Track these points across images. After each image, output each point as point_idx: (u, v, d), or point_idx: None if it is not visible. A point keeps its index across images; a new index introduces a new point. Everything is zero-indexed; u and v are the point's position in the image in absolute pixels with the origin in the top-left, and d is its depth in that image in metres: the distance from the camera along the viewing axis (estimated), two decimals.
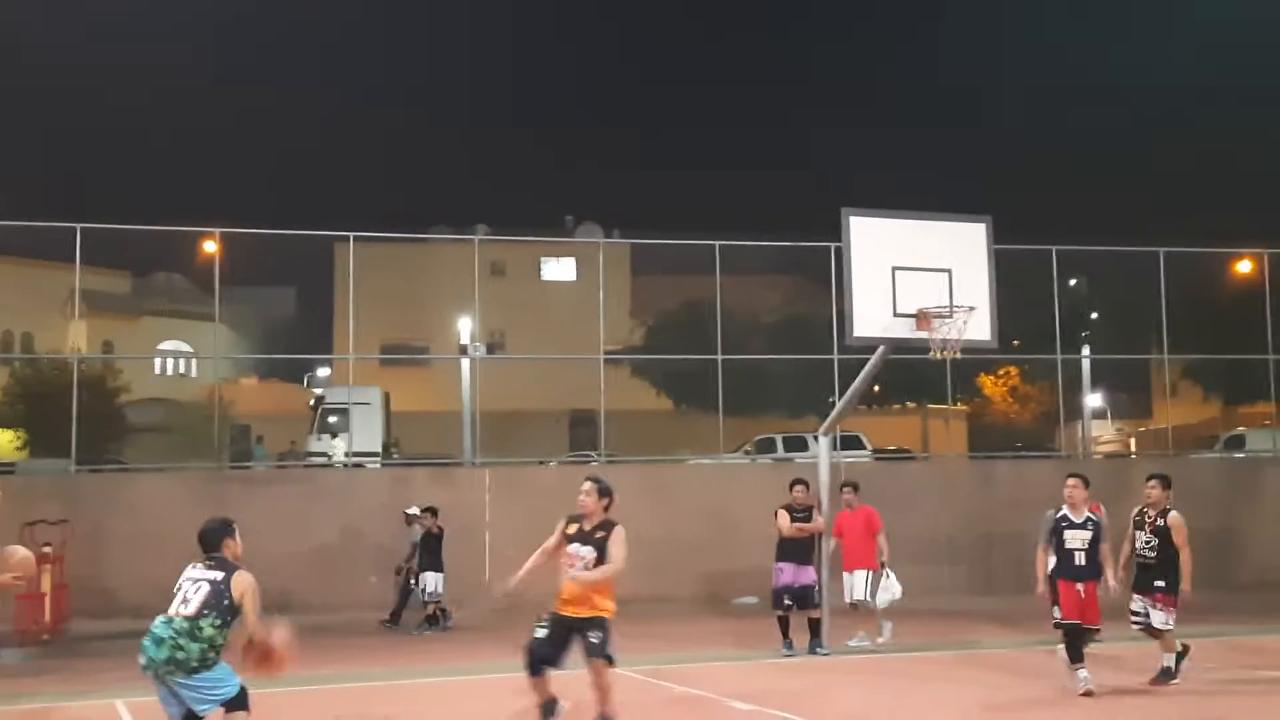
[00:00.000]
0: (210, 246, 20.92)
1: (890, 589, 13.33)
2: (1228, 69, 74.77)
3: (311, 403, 29.33)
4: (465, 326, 28.66)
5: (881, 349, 12.43)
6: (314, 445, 26.85)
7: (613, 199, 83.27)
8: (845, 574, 13.41)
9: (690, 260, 23.70)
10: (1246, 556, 20.58)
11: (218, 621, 6.52)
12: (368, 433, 24.72)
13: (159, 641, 6.42)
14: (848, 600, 13.40)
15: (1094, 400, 35.04)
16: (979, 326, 11.97)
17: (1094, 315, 33.62)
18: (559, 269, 45.43)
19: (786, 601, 12.71)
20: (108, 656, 12.96)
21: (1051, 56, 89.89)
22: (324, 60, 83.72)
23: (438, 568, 15.83)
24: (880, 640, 13.26)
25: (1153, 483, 10.55)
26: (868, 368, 12.87)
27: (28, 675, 11.99)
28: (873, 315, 11.91)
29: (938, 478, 22.32)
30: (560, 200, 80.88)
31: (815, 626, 12.78)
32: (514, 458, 23.37)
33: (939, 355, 12.05)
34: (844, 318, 12.28)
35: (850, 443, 25.46)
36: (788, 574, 12.71)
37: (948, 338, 11.76)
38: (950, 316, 11.71)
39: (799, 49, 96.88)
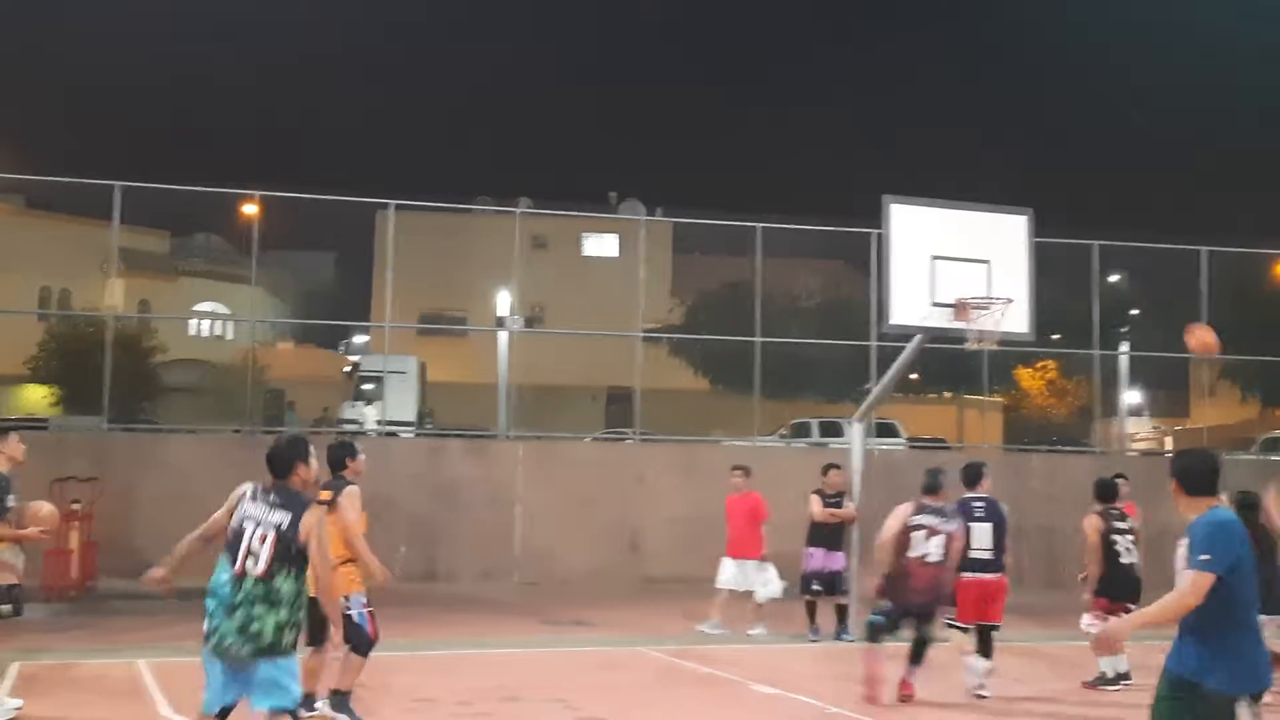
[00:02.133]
0: (249, 209, 21.03)
1: (770, 583, 12.85)
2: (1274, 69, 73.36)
3: (347, 370, 29.57)
4: (504, 299, 28.78)
5: (918, 337, 12.39)
6: (348, 412, 27.04)
7: (658, 177, 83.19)
8: (725, 559, 13.02)
9: (732, 241, 23.65)
10: None
11: (296, 577, 5.47)
12: (402, 402, 24.88)
13: (230, 608, 5.40)
14: (720, 586, 12.98)
15: (1131, 397, 34.72)
16: (1016, 319, 11.91)
17: (1134, 312, 33.27)
18: (601, 244, 45.45)
19: (815, 586, 12.73)
20: (133, 615, 13.15)
21: (1097, 52, 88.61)
22: (375, 29, 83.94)
23: None
24: (753, 632, 12.78)
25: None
26: (904, 356, 12.83)
27: (53, 631, 12.14)
28: (911, 303, 11.88)
29: None
30: (606, 176, 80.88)
31: (843, 613, 12.80)
32: (549, 432, 23.47)
33: (975, 346, 12.01)
34: (883, 305, 12.25)
35: (886, 430, 25.38)
36: (818, 559, 12.73)
37: (985, 329, 11.72)
38: (988, 308, 11.66)
39: (849, 32, 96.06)
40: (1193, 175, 73.47)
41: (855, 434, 13.77)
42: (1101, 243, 21.78)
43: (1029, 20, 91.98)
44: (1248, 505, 8.78)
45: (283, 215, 22.97)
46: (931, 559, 9.11)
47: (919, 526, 9.17)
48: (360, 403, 26.76)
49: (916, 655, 9.27)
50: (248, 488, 5.75)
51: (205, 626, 5.48)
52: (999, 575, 9.64)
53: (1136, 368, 32.32)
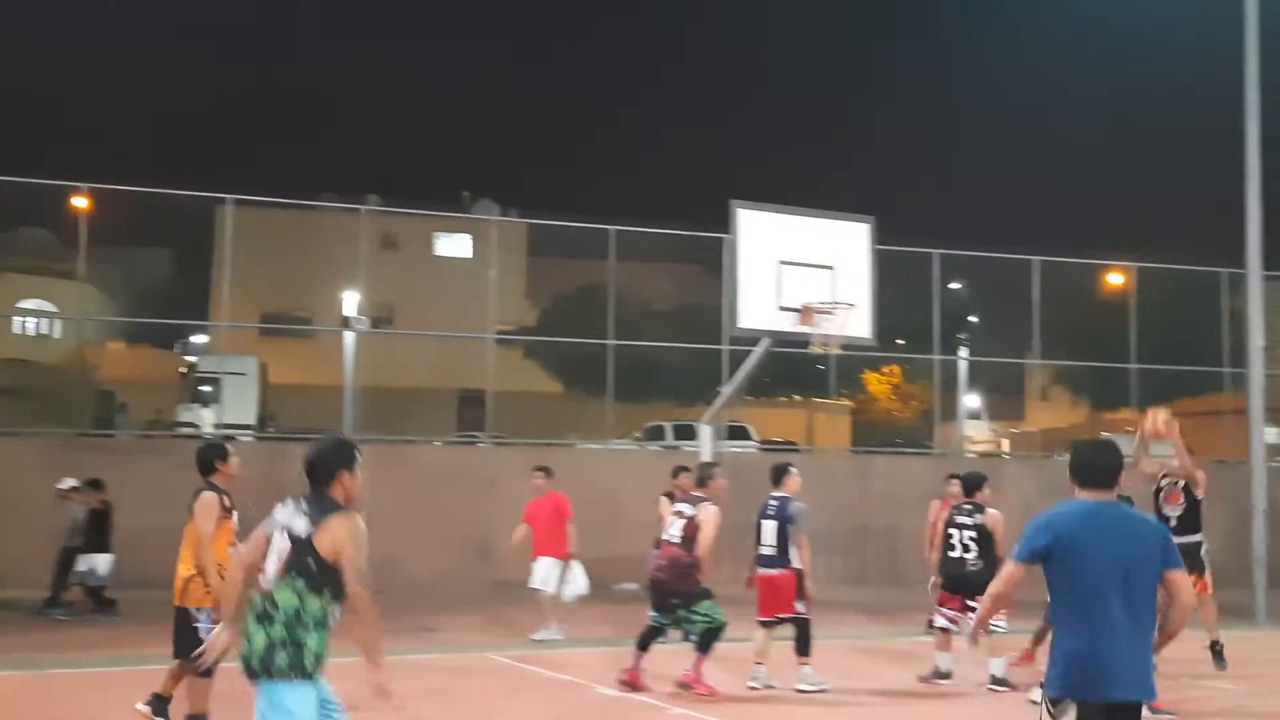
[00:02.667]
0: (79, 202, 20.05)
1: (575, 582, 12.76)
2: (1119, 89, 77.38)
3: (183, 371, 28.44)
4: (351, 299, 28.09)
5: (765, 341, 12.56)
6: (183, 415, 26.02)
7: (513, 178, 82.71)
8: (537, 560, 12.86)
9: (586, 244, 23.60)
10: None
11: (302, 591, 4.74)
12: (241, 404, 24.05)
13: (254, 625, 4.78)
14: (533, 586, 12.86)
15: (970, 400, 35.99)
16: (859, 323, 12.17)
17: (972, 318, 34.51)
18: (453, 245, 44.85)
19: None
20: None
21: (941, 62, 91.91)
22: (216, 18, 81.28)
23: (108, 548, 14.18)
24: (541, 636, 12.63)
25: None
26: (751, 359, 12.99)
27: None
28: (758, 307, 12.03)
29: (819, 470, 22.61)
30: (459, 175, 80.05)
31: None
32: (398, 435, 23.00)
33: (820, 349, 12.23)
34: (733, 308, 12.37)
35: (738, 433, 25.72)
36: None
37: (828, 333, 11.93)
38: (832, 312, 11.88)
39: (702, 40, 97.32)
40: (1027, 187, 76.80)
41: (705, 436, 13.89)
42: (941, 251, 22.49)
43: (872, 24, 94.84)
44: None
45: (115, 209, 22.00)
46: (671, 539, 9.73)
47: (676, 512, 9.91)
48: (197, 405, 25.78)
49: (644, 642, 9.77)
50: (286, 500, 4.99)
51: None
52: (783, 570, 9.89)
53: (975, 372, 33.50)
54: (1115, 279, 29.14)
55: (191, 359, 30.50)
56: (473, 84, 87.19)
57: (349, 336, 24.64)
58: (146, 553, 17.09)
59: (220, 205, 21.06)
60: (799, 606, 9.88)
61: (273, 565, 4.81)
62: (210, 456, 7.56)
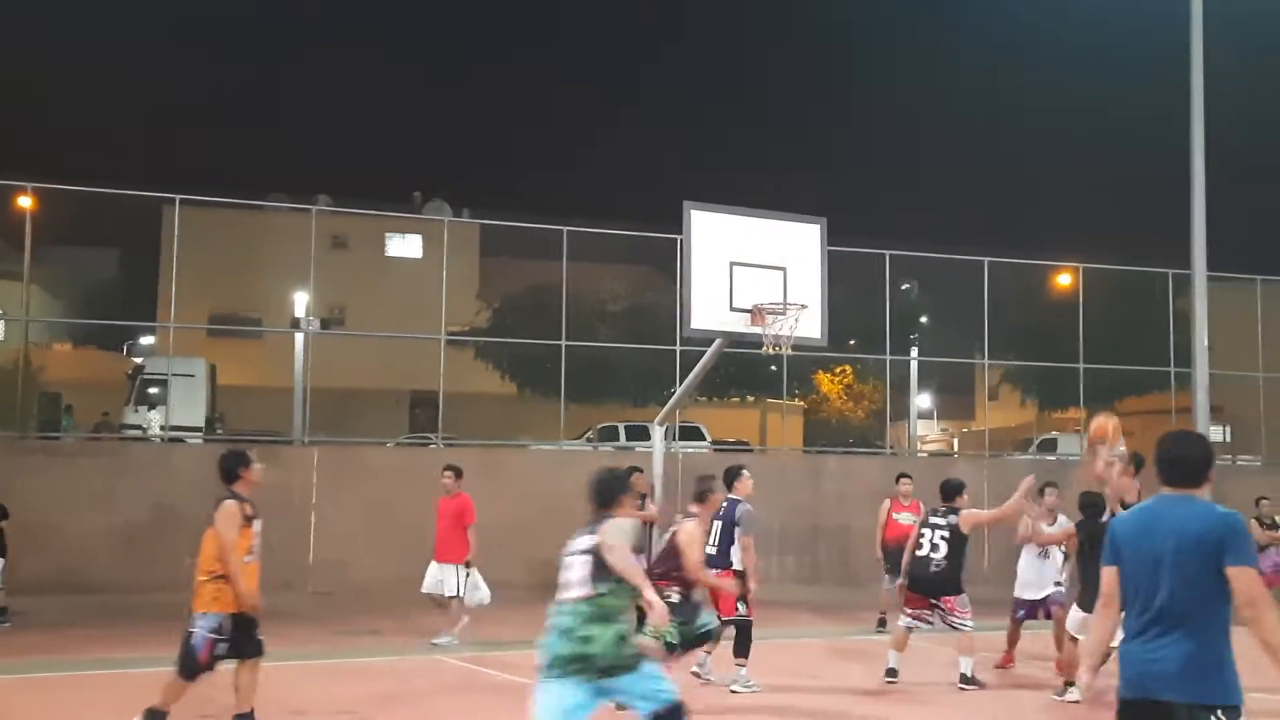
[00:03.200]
0: (23, 201, 19.70)
1: (479, 590, 12.49)
2: (1067, 90, 78.47)
3: (130, 372, 28.01)
4: (301, 299, 27.76)
5: (718, 342, 12.58)
6: (130, 417, 25.62)
7: (464, 178, 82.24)
8: (432, 563, 12.57)
9: (538, 244, 23.54)
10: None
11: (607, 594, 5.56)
12: (190, 406, 23.70)
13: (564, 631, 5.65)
14: (423, 590, 12.55)
15: (921, 401, 36.32)
16: (810, 324, 12.21)
17: (923, 319, 34.81)
18: (404, 245, 44.52)
19: None
20: None
21: (892, 64, 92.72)
22: (163, 18, 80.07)
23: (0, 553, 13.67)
24: (442, 641, 12.39)
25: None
26: (704, 360, 13.00)
27: None
28: (710, 308, 12.03)
29: (771, 470, 22.73)
30: (410, 176, 79.53)
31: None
32: (349, 437, 22.81)
33: (771, 350, 12.25)
34: (685, 309, 12.37)
35: (690, 433, 25.77)
36: None
37: (780, 334, 11.97)
38: (783, 313, 11.92)
39: (656, 44, 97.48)
40: (976, 188, 77.65)
41: (656, 436, 13.88)
42: (892, 252, 22.66)
43: (825, 25, 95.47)
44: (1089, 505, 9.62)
45: (60, 209, 21.65)
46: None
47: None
48: (144, 407, 25.40)
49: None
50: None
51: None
52: (721, 571, 9.93)
53: (925, 373, 33.84)
54: (1063, 280, 29.52)
55: (139, 360, 29.99)
56: (424, 83, 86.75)
57: (299, 337, 24.40)
58: (92, 557, 16.94)
59: (168, 205, 20.80)
60: (740, 608, 9.91)
61: (584, 577, 5.70)
62: (234, 465, 7.64)
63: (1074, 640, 9.66)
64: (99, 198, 19.59)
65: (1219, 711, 4.12)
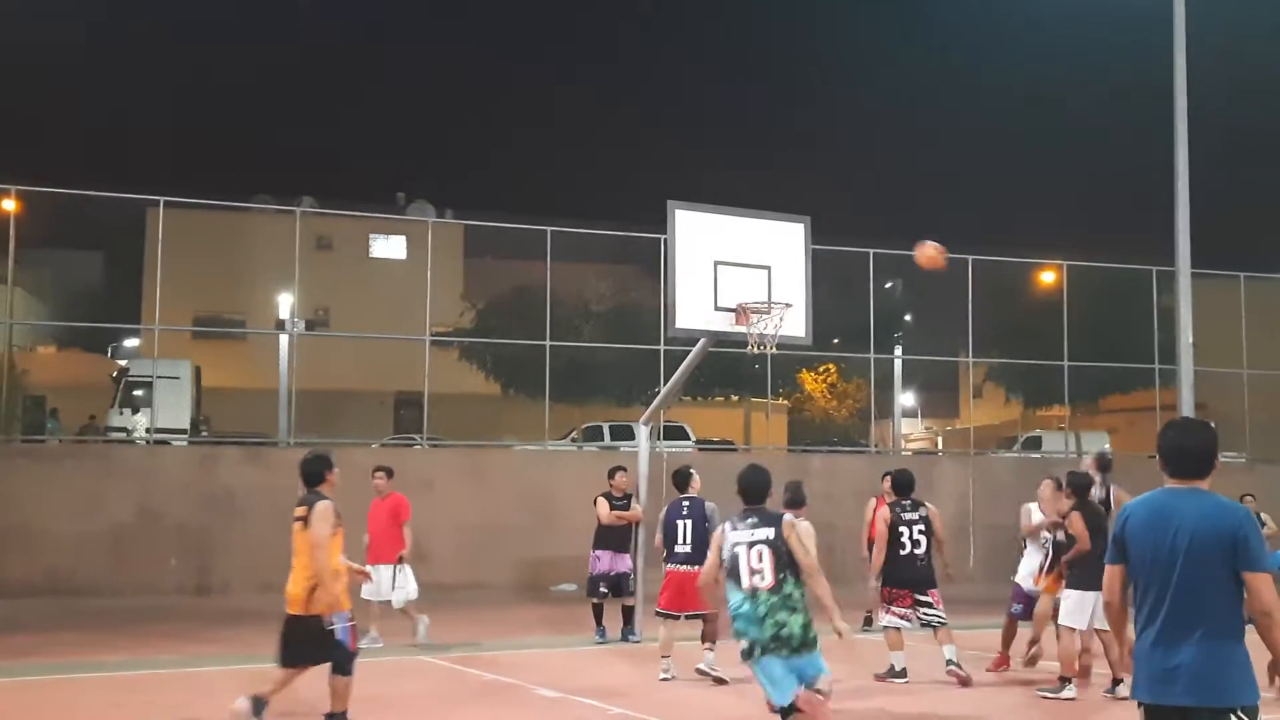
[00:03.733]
0: (7, 205, 19.62)
1: (406, 586, 12.16)
2: (1050, 87, 78.75)
3: (114, 375, 27.90)
4: (285, 301, 27.68)
5: (702, 341, 12.60)
6: (115, 420, 25.55)
7: (448, 179, 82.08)
8: (370, 566, 11.79)
9: (523, 245, 23.55)
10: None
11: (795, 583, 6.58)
12: (175, 408, 23.63)
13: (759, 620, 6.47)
14: (364, 596, 11.79)
15: (905, 399, 36.43)
16: (795, 323, 12.23)
17: (907, 317, 34.90)
18: (389, 246, 44.43)
19: (602, 589, 12.80)
20: None
21: (879, 62, 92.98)
22: (146, 19, 79.65)
23: None
24: (421, 637, 12.20)
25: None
26: (689, 359, 13.02)
27: None
28: (695, 308, 12.04)
29: None
30: (394, 177, 79.27)
31: (629, 614, 12.89)
32: (334, 438, 22.76)
33: (756, 350, 12.27)
34: (669, 309, 12.39)
35: (675, 433, 25.79)
36: (605, 561, 12.81)
37: (765, 333, 11.99)
38: (768, 312, 11.94)
39: (636, 43, 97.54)
40: (959, 186, 77.88)
41: (641, 436, 13.90)
42: (876, 250, 22.71)
43: (810, 26, 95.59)
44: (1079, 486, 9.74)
45: (44, 212, 21.56)
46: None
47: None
48: (128, 410, 25.32)
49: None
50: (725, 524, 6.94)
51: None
52: (698, 568, 9.80)
53: (909, 371, 33.95)
54: (1047, 277, 29.62)
55: (123, 363, 29.87)
56: (408, 85, 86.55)
57: (284, 339, 24.36)
58: (78, 559, 16.90)
59: (152, 207, 20.74)
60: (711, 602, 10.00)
61: (767, 570, 6.52)
62: (321, 468, 7.76)
63: (1070, 631, 9.61)
64: (83, 200, 19.55)
65: (1239, 711, 4.05)
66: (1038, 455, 29.34)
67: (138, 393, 25.16)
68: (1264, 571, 4.09)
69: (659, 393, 15.37)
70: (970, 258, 22.98)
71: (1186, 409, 16.69)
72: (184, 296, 28.66)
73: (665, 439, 22.51)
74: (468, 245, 39.74)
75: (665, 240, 12.53)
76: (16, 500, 16.92)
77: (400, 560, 12.15)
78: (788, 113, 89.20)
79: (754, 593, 6.53)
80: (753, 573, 6.54)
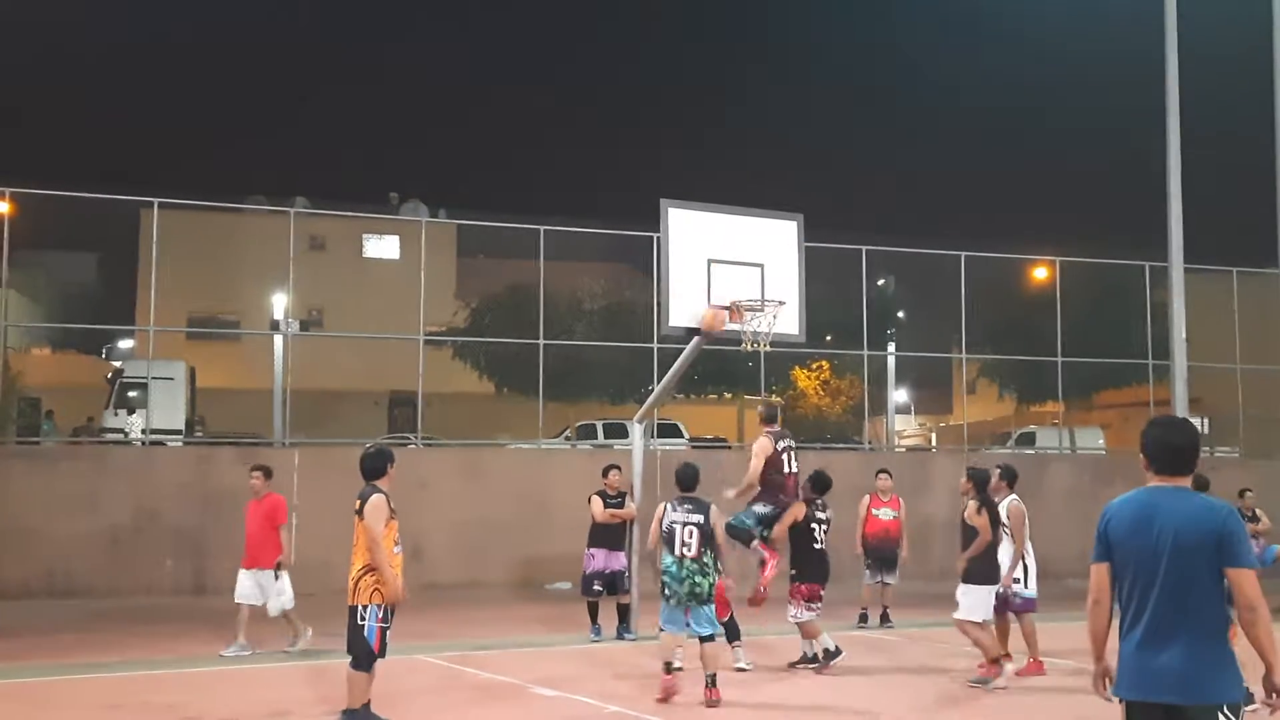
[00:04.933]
0: (0, 206, 19.59)
1: (283, 594, 11.70)
2: (1043, 83, 78.85)
3: (109, 376, 27.88)
4: (279, 301, 27.65)
5: (695, 339, 12.62)
6: (110, 421, 25.54)
7: (440, 178, 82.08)
8: (241, 570, 11.82)
9: (516, 244, 23.55)
10: (1033, 548, 21.74)
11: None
12: (170, 409, 23.61)
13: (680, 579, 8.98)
14: (238, 600, 11.73)
15: (899, 395, 36.45)
16: (788, 320, 12.27)
17: (900, 314, 34.93)
18: (382, 246, 44.45)
19: (597, 587, 12.83)
20: None
21: (874, 61, 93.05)
22: (141, 22, 79.50)
23: None
24: (298, 646, 11.79)
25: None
26: (682, 357, 13.05)
27: None
28: (688, 305, 12.08)
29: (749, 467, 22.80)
30: (386, 177, 79.17)
31: (624, 612, 12.93)
32: (328, 438, 22.77)
33: (749, 347, 12.30)
34: (662, 307, 12.41)
35: (669, 430, 25.81)
36: (599, 559, 12.84)
37: (758, 330, 12.02)
38: (761, 310, 11.97)
39: (631, 44, 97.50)
40: (952, 182, 77.95)
41: (635, 434, 13.93)
42: (869, 248, 22.74)
43: (807, 26, 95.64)
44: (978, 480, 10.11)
45: (38, 213, 21.51)
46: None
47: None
48: (123, 411, 25.30)
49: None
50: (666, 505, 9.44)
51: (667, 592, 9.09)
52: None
53: (903, 367, 33.97)
54: (1040, 273, 29.65)
55: (118, 364, 29.85)
56: (399, 85, 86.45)
57: (278, 339, 24.33)
58: (75, 561, 16.89)
59: (145, 208, 20.71)
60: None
61: (694, 544, 9.03)
62: (383, 463, 8.00)
63: (980, 625, 9.90)
64: (76, 202, 19.53)
65: (1225, 709, 4.10)
66: (1032, 451, 29.39)
67: (133, 394, 25.15)
68: (1248, 568, 4.14)
69: (652, 390, 15.40)
70: (963, 254, 23.01)
71: (1180, 404, 16.74)
72: (178, 297, 28.57)
73: (659, 437, 22.52)
74: (461, 244, 39.79)
75: (658, 238, 12.55)
76: (12, 502, 16.91)
77: (279, 566, 11.66)
78: (782, 110, 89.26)
79: (681, 559, 9.02)
80: (683, 544, 9.02)
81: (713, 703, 8.89)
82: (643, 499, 13.31)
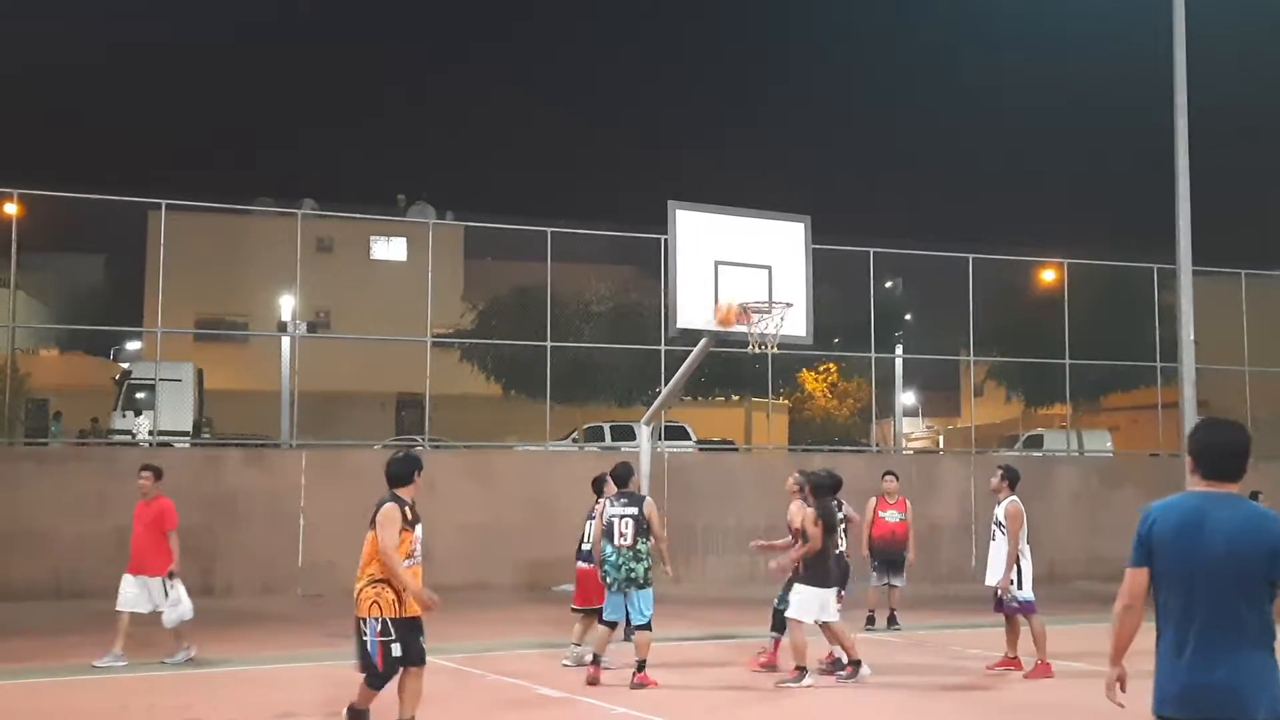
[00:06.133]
0: (9, 208, 19.66)
1: (180, 604, 10.91)
2: (1051, 85, 78.75)
3: (117, 378, 27.95)
4: (287, 303, 27.69)
5: (703, 341, 12.62)
6: (118, 423, 25.60)
7: (448, 180, 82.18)
8: (126, 575, 11.00)
9: (523, 246, 23.57)
10: (1040, 551, 21.64)
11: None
12: (177, 411, 23.67)
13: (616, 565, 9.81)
14: (120, 608, 10.95)
15: (906, 398, 36.43)
16: (795, 322, 12.26)
17: (908, 316, 34.87)
18: (389, 248, 44.54)
19: None
20: None
21: (881, 62, 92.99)
22: (148, 24, 79.76)
23: None
24: (178, 659, 11.05)
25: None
26: (690, 359, 13.05)
27: None
28: (695, 308, 12.08)
29: (757, 469, 22.81)
30: (394, 179, 79.30)
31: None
32: (335, 440, 22.79)
33: (757, 349, 12.28)
34: (670, 309, 12.41)
35: (676, 433, 25.81)
36: None
37: (765, 332, 12.01)
38: (769, 312, 11.96)
39: (638, 43, 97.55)
40: (960, 185, 77.89)
41: (643, 436, 13.91)
42: (876, 250, 22.71)
43: (814, 28, 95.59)
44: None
45: (46, 215, 21.58)
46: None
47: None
48: (131, 412, 25.36)
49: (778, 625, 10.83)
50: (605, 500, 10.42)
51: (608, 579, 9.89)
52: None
53: (910, 370, 33.94)
54: (1048, 275, 29.60)
55: (126, 365, 29.93)
56: (407, 87, 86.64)
57: (285, 341, 24.38)
58: (83, 562, 16.92)
59: (153, 210, 20.77)
60: None
61: (630, 534, 9.87)
62: (408, 469, 7.63)
63: (798, 624, 10.04)
64: (85, 203, 19.59)
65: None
66: (1039, 454, 29.35)
67: (140, 395, 25.22)
68: None
69: (660, 393, 15.38)
70: (971, 256, 22.97)
71: (1189, 407, 16.69)
72: (186, 299, 28.75)
73: (666, 439, 22.52)
74: (468, 246, 39.78)
75: (666, 240, 12.55)
76: (20, 503, 16.95)
77: (171, 575, 10.89)
78: (789, 112, 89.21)
79: (619, 549, 9.81)
80: (620, 535, 9.85)
81: (637, 685, 9.65)
82: (650, 500, 13.27)
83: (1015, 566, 10.60)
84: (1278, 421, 25.18)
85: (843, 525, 11.02)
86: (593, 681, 9.92)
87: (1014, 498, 10.76)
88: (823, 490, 10.24)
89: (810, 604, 10.00)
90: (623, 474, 10.30)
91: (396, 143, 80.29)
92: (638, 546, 9.89)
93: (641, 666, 9.84)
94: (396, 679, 7.52)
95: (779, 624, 10.62)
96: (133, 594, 10.90)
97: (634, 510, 9.98)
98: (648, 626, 9.94)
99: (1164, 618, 4.03)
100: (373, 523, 7.39)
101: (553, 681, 10.21)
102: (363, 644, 7.38)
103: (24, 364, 28.37)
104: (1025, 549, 10.76)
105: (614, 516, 10.01)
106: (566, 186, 72.42)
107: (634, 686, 9.71)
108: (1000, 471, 10.94)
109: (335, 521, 18.06)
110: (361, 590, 7.38)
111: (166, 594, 10.88)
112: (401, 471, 7.60)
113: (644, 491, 13.23)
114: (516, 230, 22.72)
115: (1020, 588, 10.64)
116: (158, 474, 11.16)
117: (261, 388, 28.57)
